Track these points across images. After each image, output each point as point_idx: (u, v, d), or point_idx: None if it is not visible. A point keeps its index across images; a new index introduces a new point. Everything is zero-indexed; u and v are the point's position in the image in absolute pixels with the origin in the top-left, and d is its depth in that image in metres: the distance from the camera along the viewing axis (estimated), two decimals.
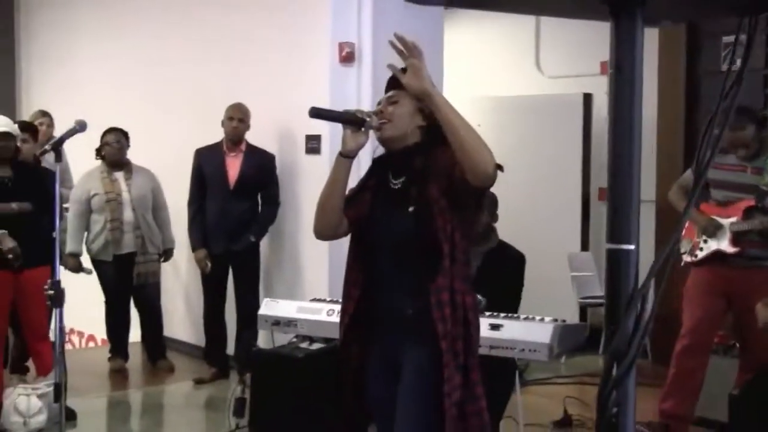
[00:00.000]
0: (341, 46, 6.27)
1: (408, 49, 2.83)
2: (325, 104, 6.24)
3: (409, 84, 2.85)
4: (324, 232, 3.17)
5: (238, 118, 6.61)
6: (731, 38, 6.84)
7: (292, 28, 6.67)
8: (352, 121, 3.04)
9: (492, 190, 5.33)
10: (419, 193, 2.98)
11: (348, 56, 6.24)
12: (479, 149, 2.76)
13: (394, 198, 3.06)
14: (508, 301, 4.81)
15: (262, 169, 6.63)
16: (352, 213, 3.11)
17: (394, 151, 3.10)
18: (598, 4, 1.28)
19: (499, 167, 3.04)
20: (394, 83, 3.10)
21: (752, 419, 4.32)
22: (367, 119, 3.03)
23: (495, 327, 4.53)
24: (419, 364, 3.00)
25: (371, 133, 3.08)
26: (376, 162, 3.20)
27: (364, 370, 3.19)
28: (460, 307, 2.97)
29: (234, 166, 6.66)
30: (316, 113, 3.04)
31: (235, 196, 6.63)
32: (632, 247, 1.32)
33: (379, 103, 3.14)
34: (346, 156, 3.05)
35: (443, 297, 2.93)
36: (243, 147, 6.68)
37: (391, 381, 3.08)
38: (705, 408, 5.38)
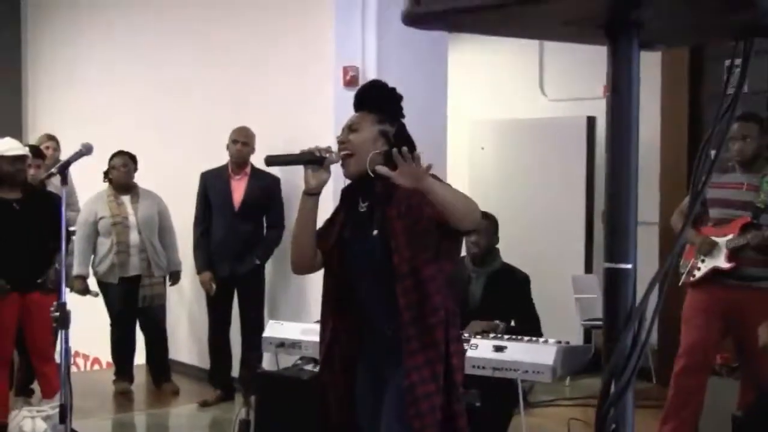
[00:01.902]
0: (345, 69, 6.31)
1: (407, 160, 2.85)
2: (330, 128, 6.31)
3: (401, 181, 2.88)
4: (300, 266, 3.25)
5: (242, 141, 6.65)
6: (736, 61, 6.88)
7: (296, 52, 6.72)
8: (311, 161, 3.06)
9: (498, 213, 5.41)
10: (382, 216, 3.04)
11: (352, 80, 6.28)
12: (469, 211, 2.93)
13: (361, 221, 3.13)
14: (529, 323, 4.87)
15: (266, 192, 6.67)
16: (323, 245, 3.17)
17: (360, 178, 3.13)
18: (595, 28, 1.31)
19: (486, 215, 3.14)
20: (359, 104, 3.18)
21: None
22: (327, 156, 3.06)
23: (499, 348, 4.56)
24: (400, 385, 3.03)
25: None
26: (345, 191, 3.25)
27: (351, 396, 3.23)
28: (436, 334, 2.99)
29: (239, 188, 6.70)
30: (272, 161, 3.10)
31: (240, 219, 6.66)
32: (629, 266, 1.34)
33: (342, 132, 3.18)
34: (310, 194, 3.10)
35: (409, 330, 2.97)
36: (248, 170, 6.72)
37: (377, 402, 3.14)
38: (708, 429, 5.37)
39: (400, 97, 3.20)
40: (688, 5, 1.19)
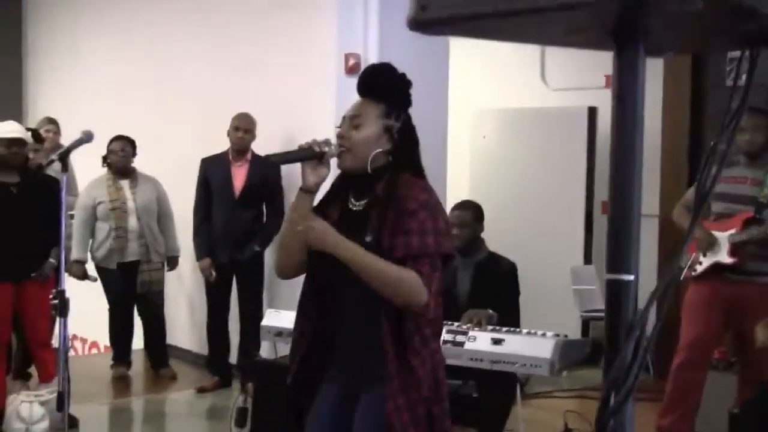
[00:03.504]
0: (347, 57, 6.29)
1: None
2: (331, 115, 6.28)
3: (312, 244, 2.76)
4: (288, 271, 3.00)
5: (244, 128, 6.63)
6: (737, 53, 6.84)
7: (298, 39, 6.69)
8: (309, 156, 2.83)
9: (498, 202, 5.39)
10: (379, 221, 2.77)
11: (354, 67, 6.26)
12: (399, 290, 2.69)
13: (354, 222, 2.84)
14: (509, 312, 4.83)
15: (267, 179, 6.64)
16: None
17: (356, 174, 2.89)
18: (602, 35, 1.29)
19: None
20: (364, 89, 2.91)
21: None
22: (326, 150, 2.82)
23: (497, 341, 4.54)
24: (375, 401, 2.79)
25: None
26: (337, 182, 2.97)
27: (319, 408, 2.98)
28: (418, 352, 2.76)
29: (240, 175, 6.68)
30: (273, 160, 2.94)
31: (241, 206, 6.65)
32: (631, 277, 1.33)
33: (342, 122, 2.91)
34: (308, 191, 2.87)
35: (387, 345, 2.74)
36: (249, 156, 6.69)
37: (342, 419, 2.90)
38: (704, 424, 5.37)
39: (409, 84, 2.89)
40: (695, 15, 1.17)
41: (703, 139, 7.15)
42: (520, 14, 1.26)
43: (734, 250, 4.95)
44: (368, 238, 2.77)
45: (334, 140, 2.91)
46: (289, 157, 3.02)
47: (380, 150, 2.85)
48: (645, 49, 1.31)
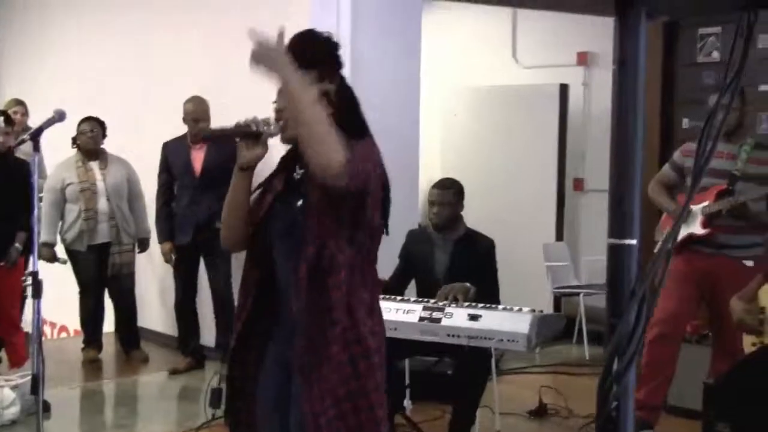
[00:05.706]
0: None
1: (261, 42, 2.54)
2: None
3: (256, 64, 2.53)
4: (233, 246, 2.96)
5: (200, 118, 6.58)
6: (707, 30, 6.88)
7: (269, 16, 6.62)
8: (246, 134, 2.74)
9: (469, 179, 5.38)
10: (309, 183, 2.70)
11: None
12: (324, 143, 2.50)
13: (292, 190, 2.80)
14: (488, 289, 4.83)
15: (226, 160, 6.47)
16: (254, 216, 2.85)
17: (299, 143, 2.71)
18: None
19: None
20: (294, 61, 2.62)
21: (727, 408, 4.35)
22: (264, 129, 2.72)
23: (473, 317, 4.54)
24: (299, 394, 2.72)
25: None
26: (286, 154, 2.88)
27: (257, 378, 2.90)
28: (342, 318, 2.67)
29: (199, 158, 6.63)
30: (207, 136, 2.75)
31: (202, 188, 6.56)
32: (634, 242, 1.33)
33: (278, 95, 2.78)
34: (243, 169, 2.79)
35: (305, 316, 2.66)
36: None
37: (283, 387, 2.80)
38: (678, 396, 5.44)
39: (336, 46, 2.81)
40: None
41: (675, 117, 7.19)
42: None
43: (707, 221, 5.01)
44: (299, 202, 2.72)
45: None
46: (222, 133, 2.90)
47: None
48: (646, 12, 1.29)
